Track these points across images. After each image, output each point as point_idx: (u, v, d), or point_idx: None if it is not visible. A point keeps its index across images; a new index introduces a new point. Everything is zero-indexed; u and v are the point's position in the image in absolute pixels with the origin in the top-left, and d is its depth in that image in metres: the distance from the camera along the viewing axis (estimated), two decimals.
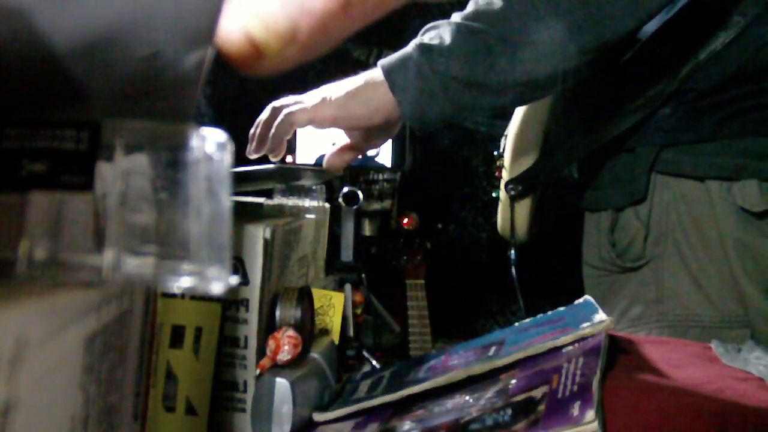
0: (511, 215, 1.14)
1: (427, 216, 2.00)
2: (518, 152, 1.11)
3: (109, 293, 0.42)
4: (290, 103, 0.94)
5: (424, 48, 0.89)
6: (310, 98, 0.93)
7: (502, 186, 1.15)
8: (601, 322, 0.72)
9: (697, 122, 1.01)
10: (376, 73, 0.91)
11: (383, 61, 0.91)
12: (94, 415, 0.41)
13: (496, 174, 1.17)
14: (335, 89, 0.93)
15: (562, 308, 0.85)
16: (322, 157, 0.98)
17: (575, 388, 0.60)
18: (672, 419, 0.59)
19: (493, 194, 1.22)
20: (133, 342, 0.47)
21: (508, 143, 1.13)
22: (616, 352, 0.73)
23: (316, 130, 0.96)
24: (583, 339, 0.70)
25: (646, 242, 1.05)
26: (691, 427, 0.59)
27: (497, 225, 1.23)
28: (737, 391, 0.66)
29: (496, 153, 1.18)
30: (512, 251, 1.19)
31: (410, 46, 0.91)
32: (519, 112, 1.14)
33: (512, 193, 1.11)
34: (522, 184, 1.11)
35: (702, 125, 1.01)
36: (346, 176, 1.02)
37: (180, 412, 0.74)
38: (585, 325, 0.72)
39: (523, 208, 1.15)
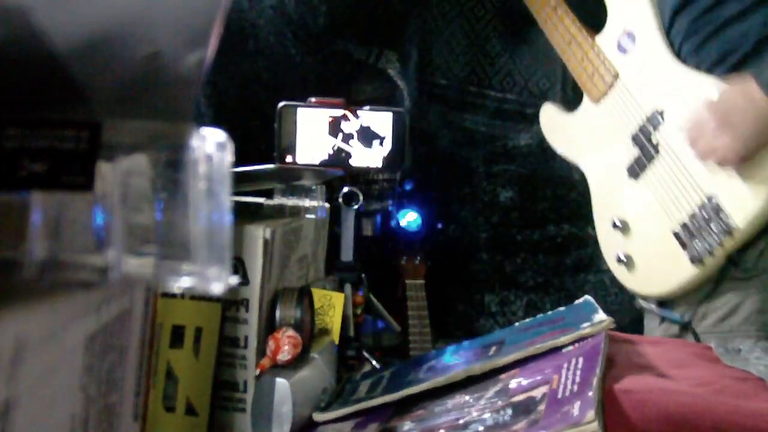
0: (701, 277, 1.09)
1: (426, 216, 1.99)
2: (758, 224, 1.03)
3: (110, 293, 0.42)
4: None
5: None
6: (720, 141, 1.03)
7: (719, 253, 1.06)
8: (601, 322, 0.72)
9: None
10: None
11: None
12: (94, 414, 0.41)
13: (703, 245, 1.07)
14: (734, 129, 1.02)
15: (562, 308, 0.85)
16: None
17: (575, 388, 0.60)
18: (672, 419, 0.59)
19: (700, 259, 1.09)
20: (133, 342, 0.47)
21: (753, 216, 1.03)
22: (617, 352, 0.73)
23: (315, 130, 0.97)
24: (583, 339, 0.70)
25: (762, 255, 1.06)
26: (692, 427, 0.59)
27: (667, 288, 1.14)
28: (737, 391, 0.66)
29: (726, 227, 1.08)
30: (660, 308, 1.17)
31: None
32: None
33: (737, 260, 1.05)
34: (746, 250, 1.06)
35: None
36: (346, 176, 1.02)
37: (180, 412, 0.74)
38: (585, 325, 0.72)
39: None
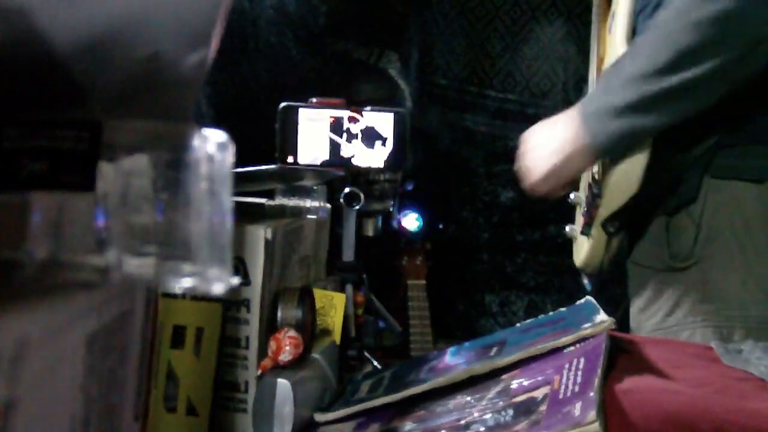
0: (606, 251, 1.13)
1: (427, 216, 2.00)
2: (619, 188, 1.07)
3: (110, 293, 0.42)
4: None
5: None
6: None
7: (597, 224, 1.11)
8: (602, 322, 0.72)
9: (755, 123, 1.02)
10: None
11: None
12: (95, 415, 0.41)
13: (587, 214, 1.13)
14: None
15: (563, 309, 0.85)
16: None
17: (576, 388, 0.60)
18: (673, 419, 0.59)
19: (570, 230, 1.20)
20: (134, 342, 0.47)
21: (609, 181, 1.08)
22: (617, 353, 0.73)
23: (316, 130, 0.98)
24: (584, 339, 0.70)
25: (696, 242, 1.06)
26: (692, 427, 0.59)
27: (579, 261, 1.19)
28: (738, 391, 0.66)
29: (577, 196, 1.18)
30: (588, 282, 1.19)
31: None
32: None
33: (612, 229, 1.10)
34: (623, 219, 1.10)
35: (760, 126, 1.02)
36: (347, 176, 1.02)
37: (181, 413, 0.74)
38: (586, 325, 0.72)
39: (616, 240, 1.14)
